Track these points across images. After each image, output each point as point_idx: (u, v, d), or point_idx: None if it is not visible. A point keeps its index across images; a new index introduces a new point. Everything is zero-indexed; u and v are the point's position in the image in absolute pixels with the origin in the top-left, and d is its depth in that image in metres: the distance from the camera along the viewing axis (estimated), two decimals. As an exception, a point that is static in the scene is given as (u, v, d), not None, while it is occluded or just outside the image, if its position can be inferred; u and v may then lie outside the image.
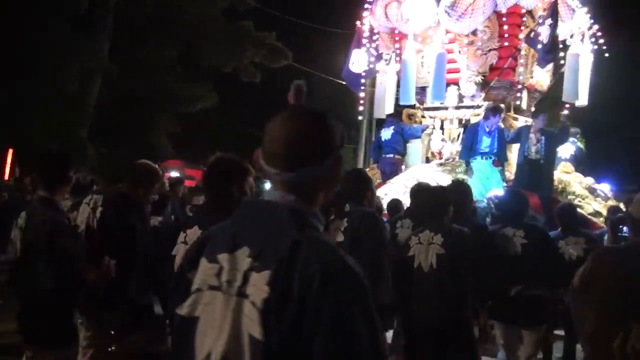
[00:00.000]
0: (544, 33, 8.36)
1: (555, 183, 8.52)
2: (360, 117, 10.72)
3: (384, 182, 8.87)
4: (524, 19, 9.34)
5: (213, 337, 1.25)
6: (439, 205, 3.93)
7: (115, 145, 18.70)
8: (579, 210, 6.73)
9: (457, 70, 9.56)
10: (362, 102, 10.94)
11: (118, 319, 3.42)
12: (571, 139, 9.83)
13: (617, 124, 20.13)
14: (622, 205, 7.95)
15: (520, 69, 9.39)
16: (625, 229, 3.96)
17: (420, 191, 4.50)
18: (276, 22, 22.23)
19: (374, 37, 10.29)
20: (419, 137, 9.68)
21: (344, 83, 23.46)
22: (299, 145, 1.29)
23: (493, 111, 8.33)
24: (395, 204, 6.60)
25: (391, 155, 9.18)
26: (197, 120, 23.15)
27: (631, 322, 2.57)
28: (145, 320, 3.54)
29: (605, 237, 6.22)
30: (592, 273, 2.94)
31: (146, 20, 19.79)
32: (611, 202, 8.46)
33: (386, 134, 9.31)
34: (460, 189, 4.67)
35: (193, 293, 1.31)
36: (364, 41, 10.21)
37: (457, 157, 9.12)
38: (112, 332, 3.40)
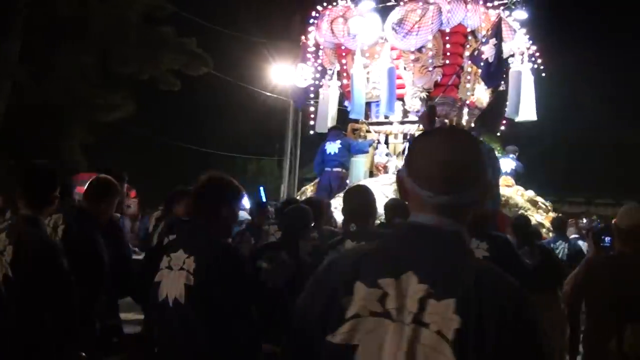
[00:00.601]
0: (487, 52, 8.91)
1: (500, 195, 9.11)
2: (311, 132, 10.92)
3: (328, 196, 9.09)
4: (468, 38, 9.94)
5: None
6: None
7: (24, 157, 17.98)
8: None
9: (402, 86, 9.99)
10: (312, 116, 11.12)
11: (89, 340, 3.26)
12: (511, 156, 10.56)
13: (554, 138, 21.82)
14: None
15: (463, 85, 9.98)
16: (607, 239, 4.35)
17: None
18: (198, 29, 22.19)
19: (319, 53, 10.58)
20: (367, 152, 10.03)
21: (268, 94, 23.72)
22: (458, 169, 1.31)
23: (427, 117, 8.80)
24: None
25: (339, 169, 9.43)
26: (112, 130, 22.64)
27: (625, 324, 2.92)
28: (115, 342, 3.52)
29: (552, 246, 6.84)
30: (586, 280, 3.34)
31: (59, 24, 19.18)
32: (552, 214, 9.18)
33: (332, 147, 9.51)
34: None
35: (349, 319, 1.27)
36: (309, 56, 10.46)
37: None
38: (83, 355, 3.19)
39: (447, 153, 1.31)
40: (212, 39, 22.90)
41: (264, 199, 13.84)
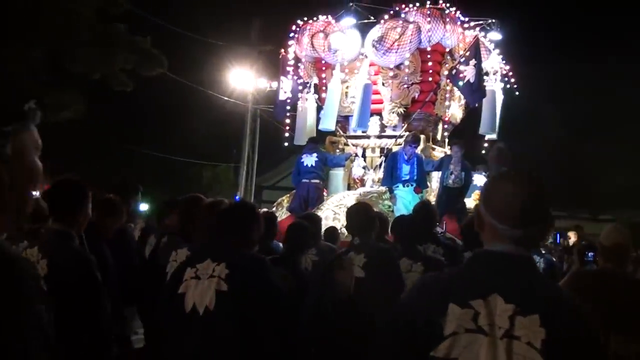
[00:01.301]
0: (468, 72, 9.66)
1: (471, 210, 9.82)
2: (286, 144, 11.42)
3: (304, 207, 9.61)
4: (446, 57, 10.69)
5: None
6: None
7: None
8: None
9: (380, 102, 10.65)
10: (287, 128, 11.63)
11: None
12: (483, 172, 11.35)
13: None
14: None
15: (439, 102, 10.72)
16: (590, 254, 4.97)
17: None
18: (153, 28, 22.22)
19: (299, 66, 11.14)
20: (344, 165, 10.65)
21: (225, 98, 23.95)
22: (531, 209, 1.61)
23: (411, 140, 9.47)
24: (331, 231, 7.06)
25: (316, 181, 9.93)
26: (61, 131, 22.47)
27: (609, 334, 3.35)
28: (118, 352, 3.54)
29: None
30: (572, 291, 3.94)
31: (8, 17, 19.02)
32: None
33: (309, 160, 9.99)
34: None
35: (448, 337, 1.54)
36: (288, 69, 10.98)
37: (379, 185, 10.18)
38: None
39: (524, 195, 1.62)
40: (168, 39, 22.87)
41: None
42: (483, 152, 11.18)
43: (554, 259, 8.82)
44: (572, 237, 16.68)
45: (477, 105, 10.55)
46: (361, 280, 3.81)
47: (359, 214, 4.25)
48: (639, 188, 28.51)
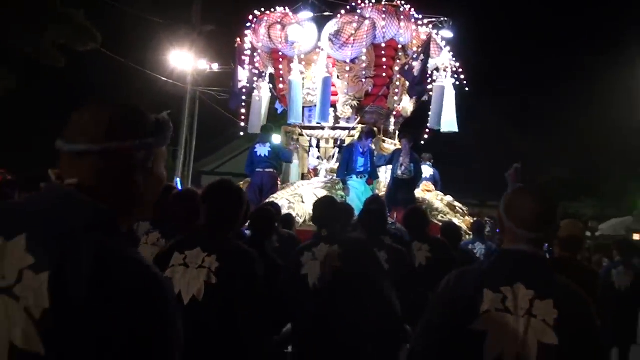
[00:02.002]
0: (417, 67, 10.55)
1: (420, 200, 10.74)
2: (241, 133, 12.01)
3: (258, 196, 10.23)
4: (399, 53, 11.54)
5: (504, 344, 2.02)
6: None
7: None
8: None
9: (335, 94, 11.40)
10: (243, 117, 12.23)
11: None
12: (428, 163, 12.33)
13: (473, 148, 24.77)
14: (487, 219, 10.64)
15: (392, 97, 11.60)
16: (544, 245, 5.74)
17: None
18: (88, 1, 21.95)
19: (254, 55, 11.76)
20: (292, 162, 11.39)
21: (164, 79, 24.00)
22: (545, 217, 2.17)
23: (367, 134, 10.24)
24: (287, 218, 7.55)
25: (271, 170, 10.51)
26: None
27: None
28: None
29: (470, 247, 8.50)
30: None
31: None
32: (468, 218, 11.04)
33: (262, 150, 10.53)
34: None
35: (482, 314, 2.06)
36: (244, 59, 11.58)
37: (334, 176, 10.98)
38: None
39: (539, 208, 2.18)
40: (104, 14, 22.78)
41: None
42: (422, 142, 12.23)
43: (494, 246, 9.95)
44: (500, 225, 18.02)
45: (426, 99, 11.51)
46: (338, 270, 3.92)
47: (327, 206, 4.57)
48: (573, 181, 30.86)
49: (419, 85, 10.75)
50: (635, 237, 23.48)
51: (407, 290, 4.54)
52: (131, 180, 1.41)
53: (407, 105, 12.51)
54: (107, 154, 1.37)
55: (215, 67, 25.23)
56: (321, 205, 4.52)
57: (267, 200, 8.15)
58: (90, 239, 1.29)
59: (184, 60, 24.64)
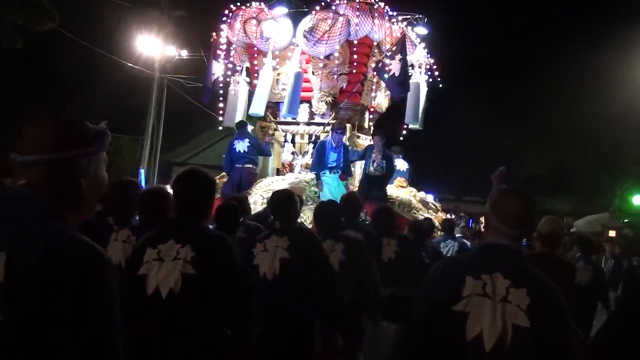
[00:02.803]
0: (394, 66, 11.29)
1: (393, 197, 11.50)
2: (220, 128, 12.66)
3: (236, 191, 10.86)
4: (373, 50, 12.31)
5: (484, 324, 2.41)
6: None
7: None
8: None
9: (310, 90, 12.16)
10: (221, 112, 12.90)
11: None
12: (400, 156, 13.08)
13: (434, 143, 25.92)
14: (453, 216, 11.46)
15: (366, 93, 12.39)
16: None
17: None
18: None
19: (230, 50, 12.47)
20: (270, 155, 12.15)
21: (130, 65, 24.22)
22: (526, 217, 2.61)
23: (337, 129, 10.91)
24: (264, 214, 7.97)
25: (250, 166, 11.19)
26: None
27: None
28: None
29: (442, 245, 9.28)
30: None
31: None
32: (441, 214, 11.87)
33: (241, 146, 11.17)
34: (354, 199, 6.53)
35: (465, 298, 2.46)
36: (220, 53, 12.27)
37: (307, 171, 11.66)
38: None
39: (522, 208, 2.62)
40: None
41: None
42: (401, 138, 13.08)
43: (467, 242, 10.75)
44: (485, 221, 18.86)
45: (400, 97, 12.30)
46: (286, 261, 4.33)
47: (281, 198, 4.83)
48: (549, 177, 32.18)
49: (401, 85, 11.45)
50: (611, 233, 24.40)
51: (368, 279, 5.09)
52: (75, 184, 1.78)
53: (382, 101, 13.33)
54: (53, 162, 1.73)
55: (185, 53, 25.61)
56: (276, 198, 4.89)
57: (233, 195, 8.62)
58: (40, 223, 1.64)
59: (152, 46, 24.95)
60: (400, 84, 11.39)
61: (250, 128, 11.97)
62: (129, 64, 24.39)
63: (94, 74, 25.32)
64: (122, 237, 4.29)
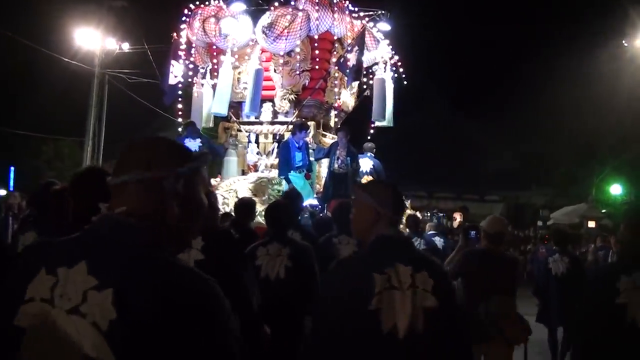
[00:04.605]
0: (352, 59, 12.67)
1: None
2: (180, 129, 13.89)
3: None
4: (335, 45, 13.74)
5: (396, 315, 2.86)
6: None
7: None
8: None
9: (272, 88, 13.53)
10: (180, 113, 14.22)
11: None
12: (369, 154, 14.48)
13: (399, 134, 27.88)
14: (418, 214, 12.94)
15: (329, 90, 13.81)
16: (472, 232, 7.24)
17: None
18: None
19: (191, 50, 13.79)
20: (223, 157, 13.50)
21: (66, 60, 24.98)
22: (399, 201, 3.31)
23: (300, 127, 12.20)
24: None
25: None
26: None
27: (490, 295, 6.05)
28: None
29: (414, 241, 10.65)
30: (462, 265, 6.50)
31: None
32: (409, 211, 13.33)
33: (192, 145, 12.13)
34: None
35: (376, 295, 2.87)
36: (180, 53, 13.57)
37: (272, 171, 12.88)
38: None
39: (394, 193, 3.26)
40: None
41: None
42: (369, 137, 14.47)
43: (438, 239, 12.14)
44: (458, 217, 20.35)
45: (368, 93, 13.72)
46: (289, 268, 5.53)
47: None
48: (524, 170, 34.15)
49: (355, 74, 12.78)
50: (591, 224, 26.17)
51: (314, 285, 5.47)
52: (166, 206, 1.83)
53: (347, 99, 14.82)
54: (142, 184, 1.82)
55: (126, 47, 26.65)
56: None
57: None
58: (145, 254, 1.72)
59: (91, 39, 25.90)
60: (353, 73, 12.72)
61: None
62: (65, 59, 25.13)
63: (24, 69, 26.10)
64: (29, 240, 4.99)
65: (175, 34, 13.94)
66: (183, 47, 13.70)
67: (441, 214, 23.11)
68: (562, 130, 31.57)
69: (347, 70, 13.03)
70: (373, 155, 14.57)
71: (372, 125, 14.23)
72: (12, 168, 26.39)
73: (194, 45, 13.96)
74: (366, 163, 14.18)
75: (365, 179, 13.49)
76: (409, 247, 3.25)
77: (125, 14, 26.70)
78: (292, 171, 12.14)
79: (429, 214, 21.00)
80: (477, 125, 35.49)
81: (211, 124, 14.23)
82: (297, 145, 12.21)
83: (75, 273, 1.67)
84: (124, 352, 1.60)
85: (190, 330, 1.66)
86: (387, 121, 14.05)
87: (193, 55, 13.97)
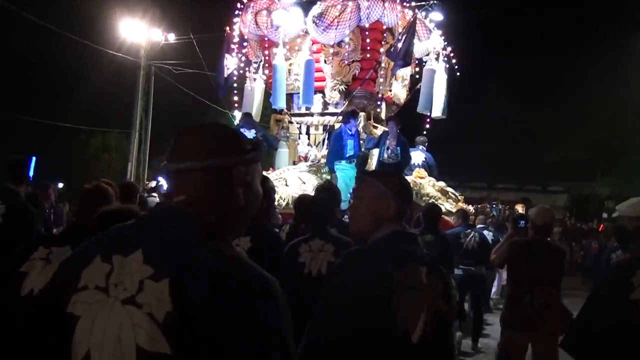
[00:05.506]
0: (402, 46, 13.42)
1: (411, 185, 13.64)
2: (237, 120, 14.78)
3: None
4: (385, 35, 14.60)
5: (413, 318, 2.86)
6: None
7: None
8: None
9: (322, 79, 14.47)
10: (235, 105, 15.29)
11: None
12: (420, 147, 15.28)
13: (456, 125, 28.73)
14: (471, 208, 13.67)
15: (380, 80, 14.67)
16: (522, 222, 7.84)
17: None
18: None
19: (244, 44, 14.85)
20: (276, 148, 14.50)
21: (112, 52, 25.91)
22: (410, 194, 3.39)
23: (351, 115, 12.95)
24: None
25: None
26: None
27: (535, 286, 6.56)
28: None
29: (462, 235, 11.43)
30: (507, 255, 7.09)
31: None
32: (461, 204, 14.11)
33: (247, 135, 13.25)
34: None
35: (396, 294, 2.82)
36: (233, 47, 14.64)
37: (322, 161, 13.75)
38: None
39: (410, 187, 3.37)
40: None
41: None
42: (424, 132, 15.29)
43: (488, 232, 12.86)
44: (520, 209, 20.89)
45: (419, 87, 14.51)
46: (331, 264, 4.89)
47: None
48: (588, 159, 34.32)
49: (402, 59, 13.47)
50: (658, 216, 26.18)
51: None
52: (233, 194, 1.92)
53: (399, 91, 15.72)
54: (208, 170, 1.88)
55: (172, 37, 27.71)
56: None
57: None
58: (202, 245, 1.77)
59: (136, 31, 26.98)
60: (401, 59, 13.43)
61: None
62: (112, 52, 26.14)
63: (70, 63, 27.23)
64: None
65: (228, 28, 14.97)
66: (236, 40, 14.74)
67: (501, 206, 23.66)
68: (629, 117, 31.49)
69: (396, 57, 13.67)
70: (425, 148, 15.32)
71: (428, 120, 14.95)
72: (34, 158, 27.09)
73: (246, 37, 15.00)
74: (418, 156, 14.94)
75: (417, 172, 14.35)
76: (420, 246, 3.17)
77: (170, 4, 27.96)
78: (343, 161, 12.70)
79: (488, 206, 21.54)
80: (539, 114, 36.01)
81: (258, 119, 15.12)
82: (349, 132, 12.85)
83: (131, 262, 1.73)
84: (180, 344, 1.66)
85: (241, 323, 1.71)
86: (440, 112, 14.74)
87: (246, 49, 15.02)
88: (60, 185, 22.31)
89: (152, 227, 1.83)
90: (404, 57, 13.50)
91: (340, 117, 14.02)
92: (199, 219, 1.82)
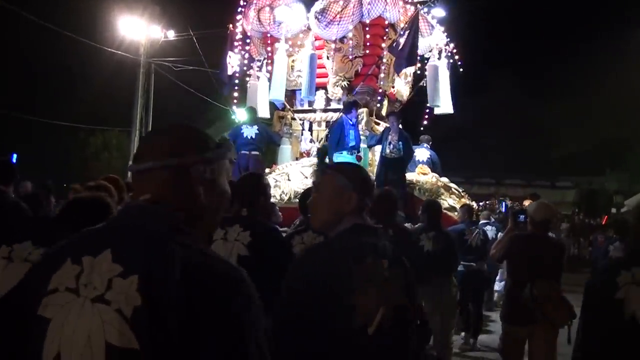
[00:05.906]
0: (405, 44, 13.77)
1: (413, 182, 13.89)
2: (236, 120, 15.22)
3: None
4: (387, 30, 15.00)
5: (371, 311, 2.88)
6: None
7: None
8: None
9: (325, 75, 14.89)
10: (235, 102, 15.73)
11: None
12: (425, 145, 15.68)
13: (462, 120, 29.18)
14: (474, 204, 14.03)
15: (382, 76, 15.04)
16: (521, 217, 7.68)
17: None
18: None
19: (247, 41, 15.31)
20: (278, 144, 14.97)
21: (117, 52, 26.28)
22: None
23: (352, 104, 13.26)
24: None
25: (256, 153, 13.69)
26: None
27: (535, 279, 6.85)
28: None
29: (465, 232, 11.74)
30: (507, 250, 7.41)
31: None
32: (465, 199, 14.47)
33: (249, 131, 13.73)
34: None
35: (356, 288, 2.87)
36: (236, 44, 15.08)
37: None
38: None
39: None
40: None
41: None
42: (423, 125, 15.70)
43: (490, 228, 13.22)
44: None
45: (423, 84, 14.86)
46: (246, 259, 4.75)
47: (247, 183, 5.38)
48: (597, 154, 34.57)
49: (406, 58, 13.82)
50: (670, 212, 26.28)
51: None
52: (193, 192, 2.01)
53: (402, 88, 16.12)
54: (168, 170, 1.97)
55: (171, 34, 28.14)
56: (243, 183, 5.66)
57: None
58: (172, 241, 1.85)
59: (136, 28, 27.40)
60: (405, 58, 13.80)
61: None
62: (111, 50, 26.53)
63: (75, 63, 27.60)
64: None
65: (231, 25, 15.41)
66: (239, 37, 15.18)
67: (509, 202, 23.96)
68: (637, 112, 31.79)
69: (400, 55, 14.05)
70: (429, 146, 15.76)
71: (426, 117, 15.40)
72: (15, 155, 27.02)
73: (249, 34, 15.43)
74: (423, 153, 15.39)
75: (420, 168, 14.75)
76: (381, 238, 3.20)
77: (169, 1, 28.33)
78: (344, 152, 12.91)
79: (497, 203, 21.84)
80: (547, 108, 36.36)
81: (268, 115, 15.53)
82: (351, 122, 13.17)
83: (100, 261, 1.78)
84: (148, 339, 1.70)
85: (214, 317, 1.75)
86: (445, 108, 15.08)
87: (249, 46, 15.45)
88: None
89: (121, 226, 1.92)
90: (408, 57, 13.85)
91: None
92: (167, 216, 1.92)
